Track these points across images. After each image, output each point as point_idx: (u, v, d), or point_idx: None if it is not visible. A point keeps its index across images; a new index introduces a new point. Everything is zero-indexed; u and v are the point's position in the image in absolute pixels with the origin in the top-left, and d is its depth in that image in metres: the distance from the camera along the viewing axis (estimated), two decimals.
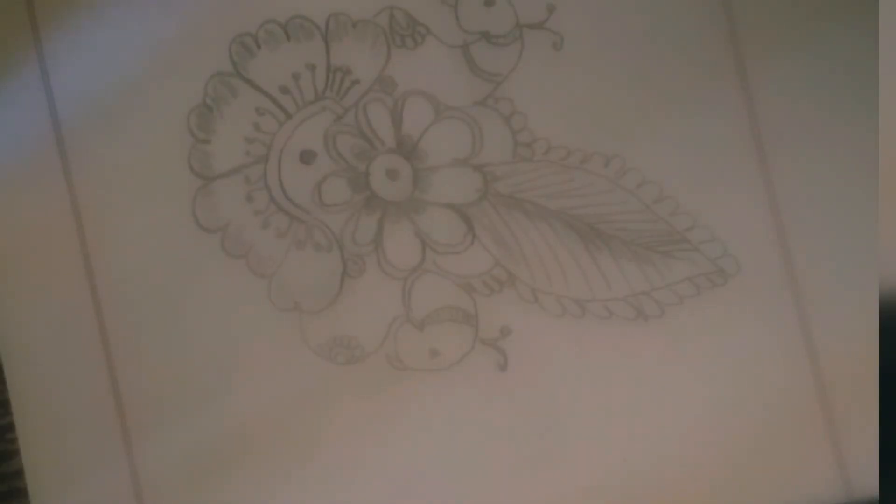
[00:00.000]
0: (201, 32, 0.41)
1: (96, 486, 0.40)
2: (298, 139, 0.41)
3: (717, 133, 0.41)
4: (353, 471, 0.40)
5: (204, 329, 0.40)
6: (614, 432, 0.40)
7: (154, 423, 0.40)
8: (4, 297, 0.41)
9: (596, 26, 0.41)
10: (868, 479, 0.40)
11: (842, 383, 0.40)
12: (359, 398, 0.40)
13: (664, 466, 0.40)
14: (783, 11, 0.41)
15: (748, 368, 0.40)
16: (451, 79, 0.41)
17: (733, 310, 0.41)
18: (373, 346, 0.40)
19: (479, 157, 0.41)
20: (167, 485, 0.40)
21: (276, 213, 0.41)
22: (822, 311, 0.41)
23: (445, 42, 0.41)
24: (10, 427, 0.40)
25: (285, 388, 0.40)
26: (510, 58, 0.41)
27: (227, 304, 0.40)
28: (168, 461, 0.40)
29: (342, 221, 0.41)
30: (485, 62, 0.41)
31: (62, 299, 0.41)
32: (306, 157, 0.41)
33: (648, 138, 0.41)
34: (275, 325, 0.40)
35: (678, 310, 0.41)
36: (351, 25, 0.41)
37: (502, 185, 0.41)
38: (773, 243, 0.41)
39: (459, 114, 0.41)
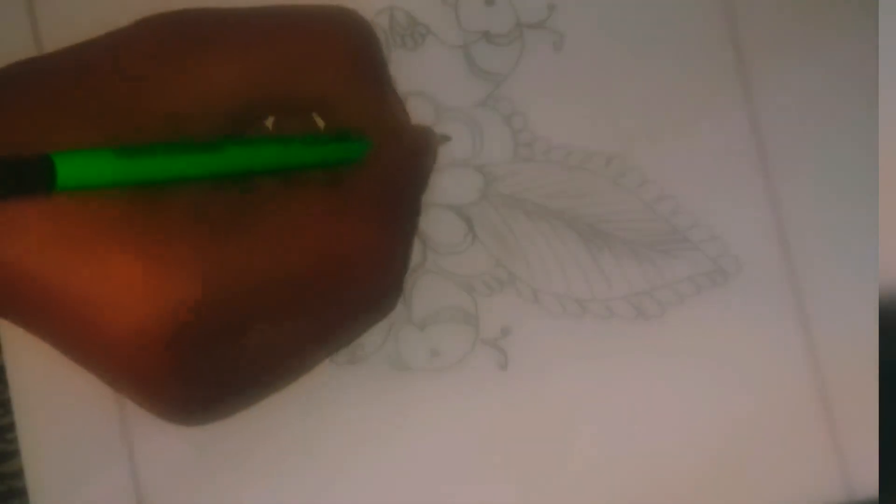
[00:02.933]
0: None
1: (96, 486, 0.39)
2: None
3: (717, 132, 0.41)
4: (353, 471, 0.40)
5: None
6: (614, 431, 0.40)
7: (155, 423, 0.40)
8: None
9: (597, 26, 0.41)
10: (868, 479, 0.40)
11: (842, 383, 0.40)
12: (359, 398, 0.40)
13: (664, 466, 0.40)
14: (784, 11, 0.41)
15: (748, 367, 0.40)
16: (451, 79, 0.41)
17: (734, 309, 0.41)
18: (373, 347, 0.40)
19: (480, 158, 0.41)
20: (167, 485, 0.40)
21: None
22: (822, 311, 0.41)
23: (446, 42, 0.41)
24: (10, 427, 0.40)
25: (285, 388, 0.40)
26: (510, 57, 0.41)
27: None
28: (168, 461, 0.40)
29: None
30: (485, 62, 0.41)
31: None
32: None
33: (649, 138, 0.41)
34: None
35: (679, 309, 0.41)
36: None
37: (503, 185, 0.41)
38: (774, 242, 0.41)
39: (460, 114, 0.41)
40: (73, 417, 0.40)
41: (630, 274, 0.41)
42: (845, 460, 0.40)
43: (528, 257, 0.41)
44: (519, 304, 0.41)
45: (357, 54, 0.36)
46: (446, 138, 0.40)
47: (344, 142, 0.35)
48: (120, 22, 0.35)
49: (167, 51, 0.33)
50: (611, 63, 0.41)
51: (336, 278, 0.34)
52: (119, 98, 0.32)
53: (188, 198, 0.32)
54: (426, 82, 0.41)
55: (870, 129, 0.41)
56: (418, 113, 0.41)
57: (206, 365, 0.32)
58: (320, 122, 0.37)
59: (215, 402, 0.34)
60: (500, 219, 0.41)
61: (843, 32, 0.41)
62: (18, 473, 0.39)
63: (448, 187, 0.41)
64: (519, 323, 0.41)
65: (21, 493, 0.39)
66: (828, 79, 0.41)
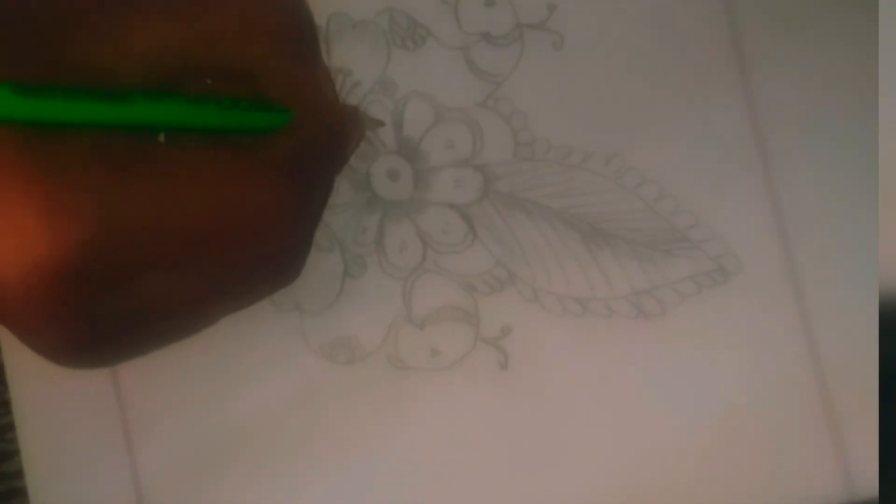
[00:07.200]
0: None
1: (96, 486, 0.39)
2: None
3: (717, 131, 0.41)
4: (353, 470, 0.40)
5: (205, 329, 0.40)
6: (615, 431, 0.40)
7: (155, 423, 0.40)
8: None
9: (596, 26, 0.41)
10: (868, 479, 0.40)
11: (843, 382, 0.40)
12: (359, 398, 0.40)
13: (664, 464, 0.40)
14: (784, 11, 0.41)
15: (749, 367, 0.40)
16: (451, 80, 0.41)
17: (735, 308, 0.41)
18: (373, 346, 0.40)
19: (480, 158, 0.41)
20: (167, 485, 0.40)
21: None
22: (823, 310, 0.41)
23: (446, 43, 0.41)
24: (10, 427, 0.40)
25: (286, 387, 0.40)
26: (510, 58, 0.41)
27: None
28: (169, 461, 0.40)
29: (343, 221, 0.41)
30: (485, 63, 0.41)
31: None
32: None
33: (649, 137, 0.41)
34: (276, 325, 0.40)
35: (679, 308, 0.41)
36: (351, 26, 0.41)
37: (503, 185, 0.41)
38: (775, 241, 0.41)
39: (460, 115, 0.41)
40: (74, 417, 0.40)
41: (631, 273, 0.41)
42: (846, 459, 0.40)
43: (528, 257, 0.41)
44: (519, 303, 0.41)
45: (288, 28, 0.35)
46: (379, 123, 0.40)
47: (263, 111, 0.34)
48: None
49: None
50: (610, 63, 0.41)
51: (233, 237, 0.33)
52: (34, 36, 0.31)
53: (89, 139, 0.31)
54: (426, 83, 0.41)
55: (870, 129, 0.41)
56: (418, 114, 0.41)
57: (97, 306, 0.31)
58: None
59: (103, 345, 0.33)
60: (501, 218, 0.41)
61: (844, 32, 0.41)
62: (18, 473, 0.39)
63: (449, 187, 0.41)
64: (519, 322, 0.41)
65: (21, 493, 0.39)
66: (828, 78, 0.41)
